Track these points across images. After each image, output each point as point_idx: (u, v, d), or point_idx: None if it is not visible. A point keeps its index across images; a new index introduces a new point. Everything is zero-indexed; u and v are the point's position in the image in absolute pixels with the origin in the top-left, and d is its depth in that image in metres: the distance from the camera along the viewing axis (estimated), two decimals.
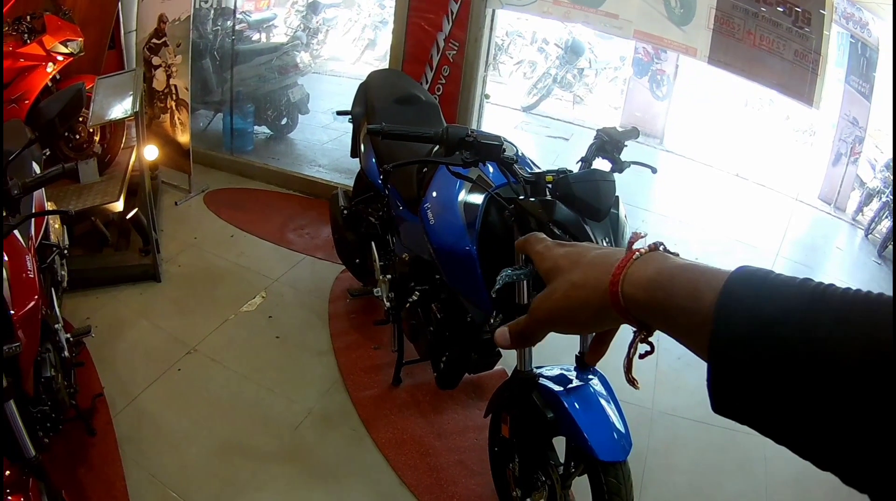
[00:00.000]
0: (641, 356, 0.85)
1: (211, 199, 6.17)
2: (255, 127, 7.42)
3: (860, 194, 7.89)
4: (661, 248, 0.84)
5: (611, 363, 2.78)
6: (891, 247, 6.82)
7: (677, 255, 0.83)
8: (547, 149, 8.94)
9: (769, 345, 0.62)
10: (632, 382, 0.91)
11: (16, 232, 2.79)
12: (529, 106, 10.48)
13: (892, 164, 7.05)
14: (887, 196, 7.30)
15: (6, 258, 2.58)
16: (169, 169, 6.28)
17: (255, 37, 8.91)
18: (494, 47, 10.98)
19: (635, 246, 0.84)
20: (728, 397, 0.67)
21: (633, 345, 0.84)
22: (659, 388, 4.14)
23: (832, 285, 0.64)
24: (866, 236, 7.38)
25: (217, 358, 4.15)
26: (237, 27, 7.90)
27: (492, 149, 2.55)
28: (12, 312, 2.48)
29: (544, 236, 1.01)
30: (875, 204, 7.55)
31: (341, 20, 12.35)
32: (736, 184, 8.47)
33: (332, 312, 4.67)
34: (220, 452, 3.50)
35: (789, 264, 6.43)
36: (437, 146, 3.10)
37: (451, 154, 2.63)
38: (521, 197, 2.58)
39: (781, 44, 4.27)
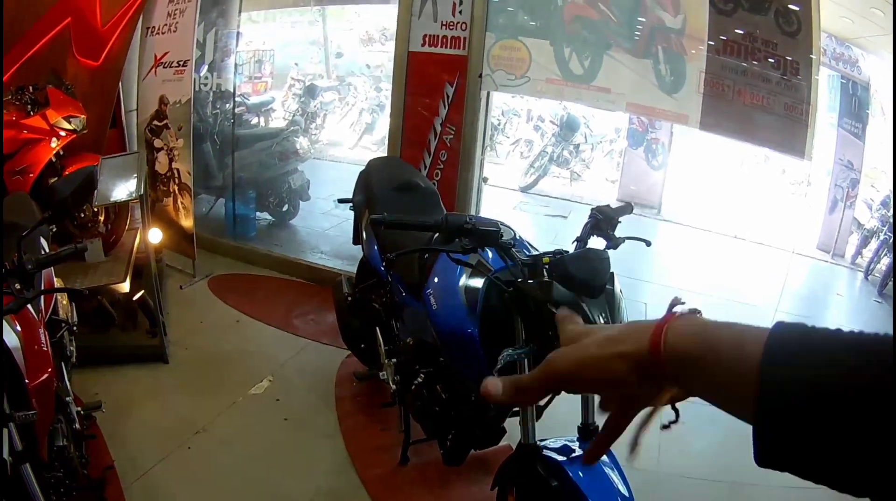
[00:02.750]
0: (665, 427, 0.88)
1: (215, 284, 6.25)
2: (258, 213, 7.52)
3: (858, 237, 7.98)
4: (698, 315, 0.82)
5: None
6: (891, 285, 6.87)
7: None
8: (546, 228, 9.05)
9: (817, 392, 0.64)
10: (636, 445, 0.88)
11: (29, 306, 2.82)
12: (527, 186, 10.62)
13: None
14: (885, 234, 7.38)
15: (19, 328, 2.64)
16: (173, 252, 6.37)
17: (254, 120, 9.03)
18: (491, 128, 11.15)
19: (675, 309, 0.83)
20: (773, 448, 0.68)
21: (657, 406, 0.85)
22: (664, 453, 4.14)
23: (863, 331, 0.68)
24: (866, 277, 7.49)
25: (226, 439, 4.19)
26: (237, 110, 8.01)
27: (490, 235, 2.66)
28: (27, 381, 2.54)
29: (573, 316, 0.98)
30: (873, 244, 7.63)
31: (338, 104, 12.49)
32: (734, 245, 8.56)
33: (338, 395, 4.71)
34: None
35: (789, 318, 6.41)
36: (438, 234, 3.21)
37: (450, 242, 2.74)
38: (520, 279, 2.66)
39: (772, 99, 4.28)
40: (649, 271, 7.26)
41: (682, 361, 0.77)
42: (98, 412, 3.85)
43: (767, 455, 0.68)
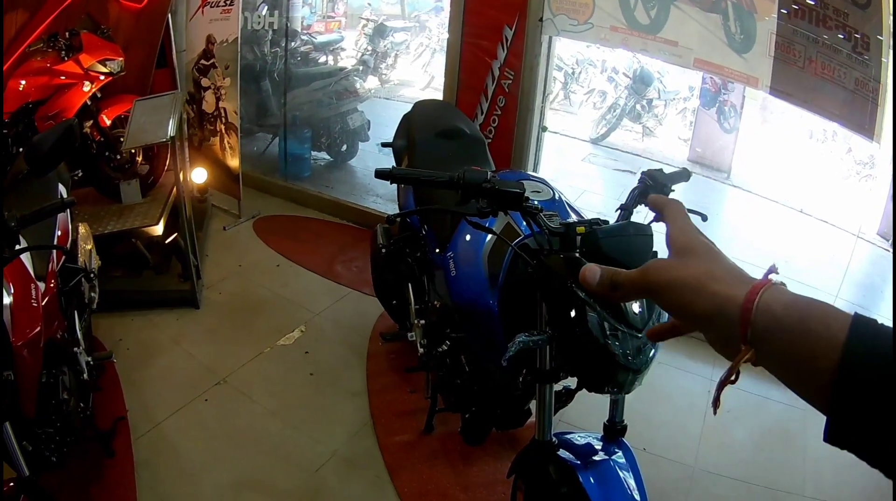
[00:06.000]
0: (732, 382, 0.84)
1: (261, 225, 6.12)
2: (314, 153, 7.37)
3: None
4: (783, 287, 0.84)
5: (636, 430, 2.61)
6: None
7: None
8: (614, 182, 8.78)
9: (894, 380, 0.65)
10: (717, 402, 0.88)
11: (25, 261, 2.80)
12: (598, 137, 10.35)
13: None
14: None
15: (12, 289, 2.61)
16: (220, 192, 6.25)
17: (322, 59, 8.85)
18: (564, 76, 10.88)
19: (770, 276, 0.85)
20: (844, 427, 0.70)
21: (736, 364, 0.82)
22: (704, 443, 3.91)
23: None
24: None
25: (246, 391, 4.07)
26: (302, 48, 7.90)
27: (511, 197, 2.23)
28: (14, 339, 2.53)
29: (685, 211, 1.03)
30: None
31: (412, 45, 12.32)
32: (799, 220, 8.21)
33: (371, 351, 4.54)
34: (235, 486, 3.44)
35: (846, 306, 6.11)
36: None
37: (468, 202, 2.36)
38: (546, 251, 2.28)
39: (843, 72, 4.02)
40: (713, 237, 6.92)
41: (770, 325, 0.78)
42: (117, 359, 3.84)
43: (837, 432, 0.71)
